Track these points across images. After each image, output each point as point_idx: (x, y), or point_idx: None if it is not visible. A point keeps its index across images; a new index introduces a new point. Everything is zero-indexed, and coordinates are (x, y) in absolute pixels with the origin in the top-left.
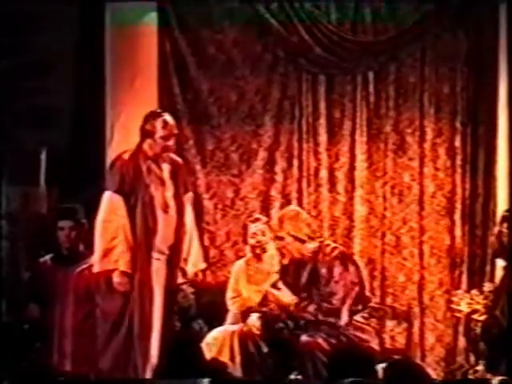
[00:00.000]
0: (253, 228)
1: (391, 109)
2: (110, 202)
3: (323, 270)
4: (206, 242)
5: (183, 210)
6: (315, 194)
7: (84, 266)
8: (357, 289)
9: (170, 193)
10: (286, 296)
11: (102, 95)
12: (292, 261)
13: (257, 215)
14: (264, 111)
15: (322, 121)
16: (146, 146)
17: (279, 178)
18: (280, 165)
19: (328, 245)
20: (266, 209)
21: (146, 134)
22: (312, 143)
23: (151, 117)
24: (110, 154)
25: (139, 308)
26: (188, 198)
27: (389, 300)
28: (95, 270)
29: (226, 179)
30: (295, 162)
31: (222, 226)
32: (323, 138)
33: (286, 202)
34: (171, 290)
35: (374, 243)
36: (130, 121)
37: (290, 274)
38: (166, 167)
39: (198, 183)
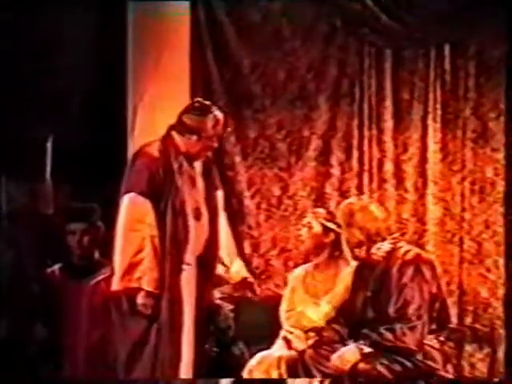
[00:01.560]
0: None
1: (471, 89)
2: (135, 207)
3: (395, 277)
4: (248, 250)
5: (216, 214)
6: (379, 191)
7: (100, 278)
8: (437, 305)
9: (201, 196)
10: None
11: (122, 73)
12: (360, 265)
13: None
14: (318, 91)
15: (388, 103)
16: (180, 141)
17: (335, 171)
18: (336, 156)
19: (401, 246)
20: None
21: (186, 129)
22: (375, 130)
23: (197, 110)
24: (132, 144)
25: (167, 333)
26: (219, 197)
27: (468, 320)
28: (114, 287)
29: (271, 173)
30: (355, 153)
31: (266, 229)
32: (389, 123)
33: (344, 200)
34: (204, 307)
35: (450, 250)
36: (156, 103)
37: (355, 281)
38: (197, 164)
39: (237, 178)
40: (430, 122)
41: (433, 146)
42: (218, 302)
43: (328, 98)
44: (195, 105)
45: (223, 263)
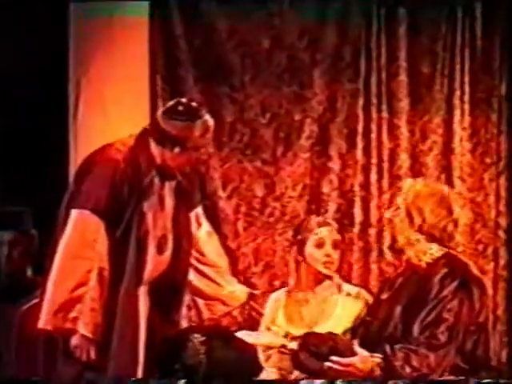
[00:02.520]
0: (321, 232)
1: (507, 61)
2: (85, 228)
3: (436, 288)
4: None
5: (186, 248)
6: (390, 190)
7: (34, 302)
8: (476, 336)
9: (169, 219)
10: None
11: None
12: (401, 272)
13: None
14: (312, 64)
15: (402, 78)
16: (156, 151)
17: (335, 165)
18: (336, 145)
19: (450, 254)
20: (313, 213)
21: (167, 138)
22: (386, 112)
23: (182, 115)
24: (74, 133)
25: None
26: (197, 214)
27: (503, 354)
28: (42, 325)
29: (252, 168)
30: (359, 142)
31: (247, 240)
32: (403, 104)
33: (346, 202)
34: (167, 340)
35: (482, 266)
36: (106, 80)
37: (385, 291)
38: (170, 183)
39: (210, 174)
40: (456, 101)
41: (460, 133)
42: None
43: (325, 72)
44: (179, 108)
45: (215, 281)
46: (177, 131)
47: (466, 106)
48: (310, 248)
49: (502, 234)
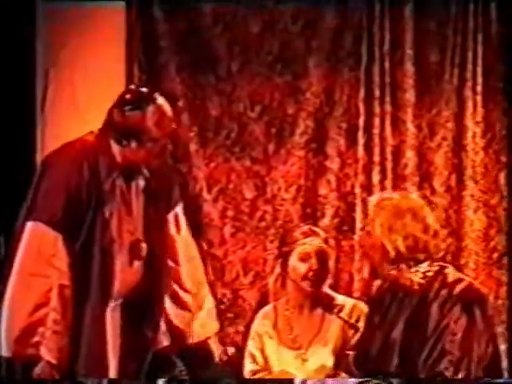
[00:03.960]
0: (306, 244)
1: None
2: (40, 242)
3: (435, 315)
4: (209, 276)
5: (161, 258)
6: (395, 192)
7: None
8: (486, 357)
9: (140, 223)
10: None
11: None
12: (388, 290)
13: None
14: (307, 50)
15: (408, 67)
16: (115, 149)
17: (333, 164)
18: (334, 142)
19: (447, 272)
20: (309, 217)
21: (119, 131)
22: (390, 105)
23: (130, 103)
24: (42, 126)
25: None
26: (176, 215)
27: None
28: (3, 353)
29: (241, 167)
30: (360, 138)
31: (234, 247)
32: (409, 96)
33: (346, 206)
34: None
35: (496, 276)
36: (77, 69)
37: (375, 313)
38: (135, 184)
39: (193, 175)
40: (468, 93)
41: (472, 128)
42: (168, 358)
43: (322, 60)
44: (126, 96)
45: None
46: (128, 123)
47: (479, 98)
48: (293, 261)
49: None
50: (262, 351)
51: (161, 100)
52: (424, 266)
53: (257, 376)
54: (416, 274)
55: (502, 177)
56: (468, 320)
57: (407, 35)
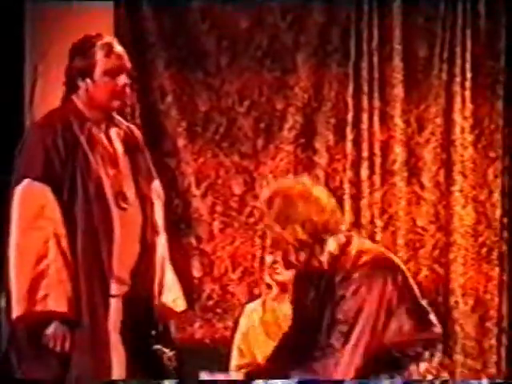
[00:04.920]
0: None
1: None
2: (30, 197)
3: (336, 288)
4: (197, 272)
5: (150, 206)
6: (383, 187)
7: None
8: (379, 324)
9: (128, 178)
10: None
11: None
12: (299, 276)
13: None
14: (296, 46)
15: (397, 62)
16: (78, 100)
17: (321, 159)
18: (323, 137)
19: (353, 245)
20: None
21: (77, 74)
22: (378, 100)
23: (83, 45)
24: (31, 121)
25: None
26: (155, 189)
27: None
28: (14, 315)
29: (230, 163)
30: (349, 133)
31: (223, 243)
32: (398, 91)
33: (335, 200)
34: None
35: (486, 272)
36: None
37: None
38: (115, 135)
39: (181, 170)
40: (456, 88)
41: (461, 124)
42: (155, 346)
43: (310, 56)
44: (79, 41)
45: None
46: (77, 64)
47: (468, 93)
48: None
49: (507, 236)
50: (249, 346)
51: (108, 38)
52: (331, 243)
53: (243, 370)
54: (323, 255)
55: (490, 172)
56: (368, 289)
57: (396, 31)
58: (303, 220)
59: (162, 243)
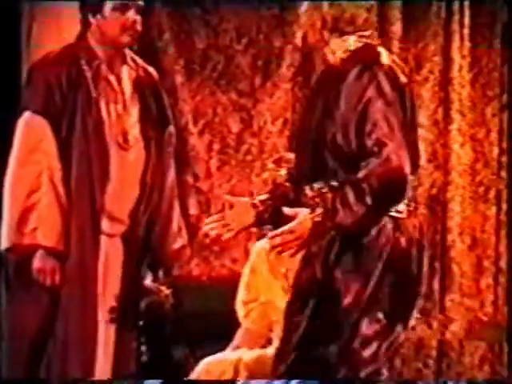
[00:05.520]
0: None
1: None
2: (29, 130)
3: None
4: (194, 209)
5: (157, 149)
6: None
7: None
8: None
9: (133, 118)
10: None
11: None
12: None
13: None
14: None
15: None
16: (91, 37)
17: None
18: None
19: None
20: None
21: (88, 11)
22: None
23: None
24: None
25: (74, 321)
26: (169, 134)
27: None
28: (2, 246)
29: (227, 100)
30: None
31: (220, 181)
32: (396, 28)
33: None
34: (131, 289)
35: (483, 211)
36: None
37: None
38: (126, 74)
39: (179, 107)
40: (455, 26)
41: (459, 62)
42: (149, 284)
43: None
44: None
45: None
46: (90, 1)
47: (466, 31)
48: None
49: (505, 174)
50: (254, 281)
51: None
52: (351, 41)
53: (247, 306)
54: (340, 47)
55: (488, 110)
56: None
57: None
58: (333, 2)
59: (169, 187)
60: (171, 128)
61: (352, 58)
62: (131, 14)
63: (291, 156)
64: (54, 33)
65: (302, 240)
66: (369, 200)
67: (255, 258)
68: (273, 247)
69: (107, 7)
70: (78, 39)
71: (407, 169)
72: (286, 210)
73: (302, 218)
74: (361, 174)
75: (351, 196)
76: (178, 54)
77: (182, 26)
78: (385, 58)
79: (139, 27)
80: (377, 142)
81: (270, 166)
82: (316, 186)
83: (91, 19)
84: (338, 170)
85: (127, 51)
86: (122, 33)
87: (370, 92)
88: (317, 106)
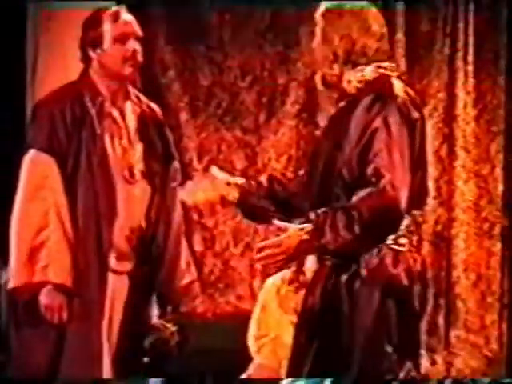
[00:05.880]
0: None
1: None
2: (34, 168)
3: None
4: (199, 246)
5: (161, 184)
6: None
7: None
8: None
9: (138, 153)
10: None
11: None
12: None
13: None
14: (298, 20)
15: (399, 36)
16: (93, 73)
17: None
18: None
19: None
20: None
21: (88, 46)
22: None
23: (92, 17)
24: (33, 96)
25: (81, 355)
26: (174, 169)
27: None
28: (10, 285)
29: (232, 137)
30: None
31: (225, 217)
32: (400, 64)
33: None
34: (137, 326)
35: (487, 247)
36: (65, 42)
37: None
38: (130, 109)
39: (183, 144)
40: (459, 63)
41: (463, 98)
42: (155, 321)
43: (313, 29)
44: (90, 15)
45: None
46: (89, 34)
47: (470, 68)
48: None
49: (510, 211)
50: (265, 317)
51: (117, 8)
52: (367, 70)
53: (258, 342)
54: (356, 76)
55: (493, 147)
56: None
57: (398, 5)
58: (343, 34)
59: (176, 223)
60: (176, 163)
61: (367, 88)
62: (131, 45)
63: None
64: (58, 71)
65: (287, 254)
66: (357, 229)
67: (265, 293)
68: (259, 259)
69: (106, 40)
70: (81, 76)
71: (402, 202)
72: (277, 223)
73: (292, 232)
74: (353, 202)
75: (341, 222)
76: (182, 91)
77: (186, 62)
78: (398, 90)
79: (140, 57)
80: (375, 172)
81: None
82: (320, 211)
83: (91, 54)
84: (341, 196)
85: (131, 88)
86: (123, 64)
87: (377, 122)
88: (329, 138)
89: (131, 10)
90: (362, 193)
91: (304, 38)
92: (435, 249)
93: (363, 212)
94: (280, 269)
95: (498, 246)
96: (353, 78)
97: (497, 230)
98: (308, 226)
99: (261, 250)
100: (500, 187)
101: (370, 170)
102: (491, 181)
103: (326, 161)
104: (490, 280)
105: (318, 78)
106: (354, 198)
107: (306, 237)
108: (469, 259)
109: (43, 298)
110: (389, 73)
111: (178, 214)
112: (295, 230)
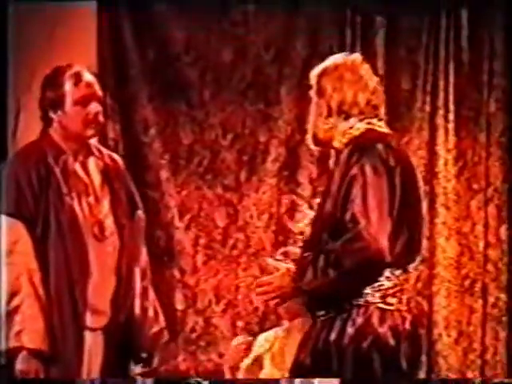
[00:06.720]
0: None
1: (498, 73)
2: (3, 233)
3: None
4: (180, 304)
5: (130, 235)
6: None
7: None
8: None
9: (105, 208)
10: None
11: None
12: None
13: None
14: (279, 78)
15: None
16: (54, 132)
17: (305, 191)
18: (306, 170)
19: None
20: (281, 245)
21: (48, 107)
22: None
23: (53, 76)
24: (13, 132)
25: None
26: (139, 218)
27: None
28: None
29: (213, 195)
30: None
31: (206, 275)
32: None
33: None
34: (118, 381)
35: (469, 305)
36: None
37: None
38: (93, 165)
39: (164, 202)
40: (439, 121)
41: (444, 156)
42: (137, 378)
43: (293, 88)
44: (49, 74)
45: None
46: (48, 95)
47: (451, 126)
48: None
49: (491, 267)
50: (256, 371)
51: (77, 67)
52: (358, 125)
53: None
54: (345, 134)
55: (473, 204)
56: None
57: (378, 62)
58: (335, 87)
59: (140, 274)
60: (140, 212)
61: (351, 142)
62: (93, 107)
63: (297, 250)
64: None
65: (281, 291)
66: (331, 272)
67: (258, 348)
68: (257, 294)
69: (67, 102)
70: (41, 135)
71: (380, 247)
72: (270, 262)
73: (284, 271)
74: (334, 246)
75: (321, 264)
76: (163, 149)
77: (167, 121)
78: (379, 140)
79: (102, 118)
80: (352, 218)
81: (278, 257)
82: (306, 254)
83: (52, 115)
84: (328, 241)
85: (91, 142)
86: (84, 127)
87: (354, 170)
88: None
89: (112, 70)
90: (342, 238)
91: (285, 96)
92: (416, 306)
93: (339, 257)
94: (277, 305)
95: (479, 303)
96: (343, 134)
97: (478, 287)
98: (293, 267)
99: (259, 285)
100: (481, 244)
101: (347, 216)
102: (472, 238)
103: (319, 215)
104: (472, 337)
105: (309, 137)
106: (336, 244)
107: (294, 275)
108: (450, 316)
109: (19, 364)
110: (376, 128)
111: (143, 263)
112: (287, 270)
